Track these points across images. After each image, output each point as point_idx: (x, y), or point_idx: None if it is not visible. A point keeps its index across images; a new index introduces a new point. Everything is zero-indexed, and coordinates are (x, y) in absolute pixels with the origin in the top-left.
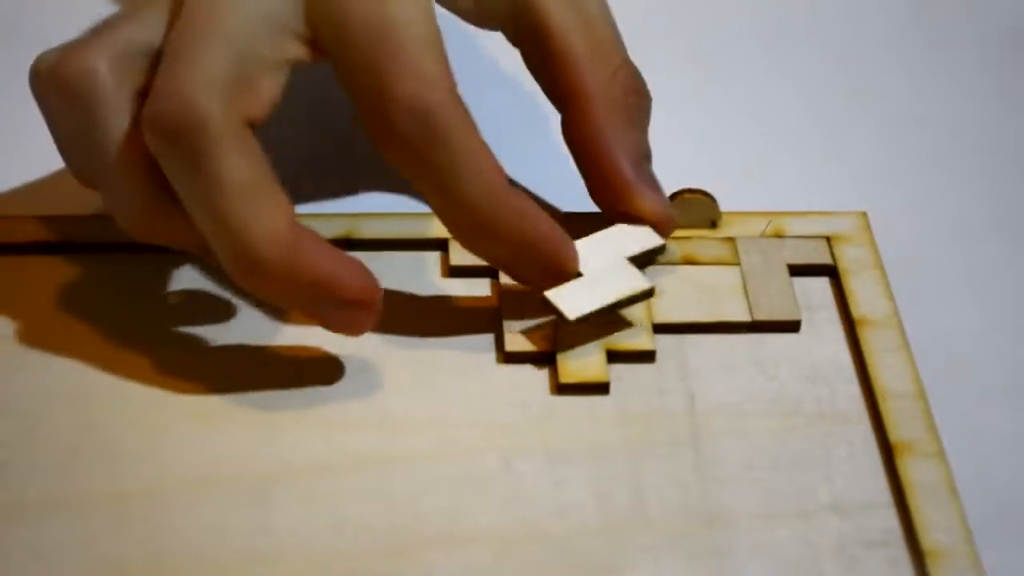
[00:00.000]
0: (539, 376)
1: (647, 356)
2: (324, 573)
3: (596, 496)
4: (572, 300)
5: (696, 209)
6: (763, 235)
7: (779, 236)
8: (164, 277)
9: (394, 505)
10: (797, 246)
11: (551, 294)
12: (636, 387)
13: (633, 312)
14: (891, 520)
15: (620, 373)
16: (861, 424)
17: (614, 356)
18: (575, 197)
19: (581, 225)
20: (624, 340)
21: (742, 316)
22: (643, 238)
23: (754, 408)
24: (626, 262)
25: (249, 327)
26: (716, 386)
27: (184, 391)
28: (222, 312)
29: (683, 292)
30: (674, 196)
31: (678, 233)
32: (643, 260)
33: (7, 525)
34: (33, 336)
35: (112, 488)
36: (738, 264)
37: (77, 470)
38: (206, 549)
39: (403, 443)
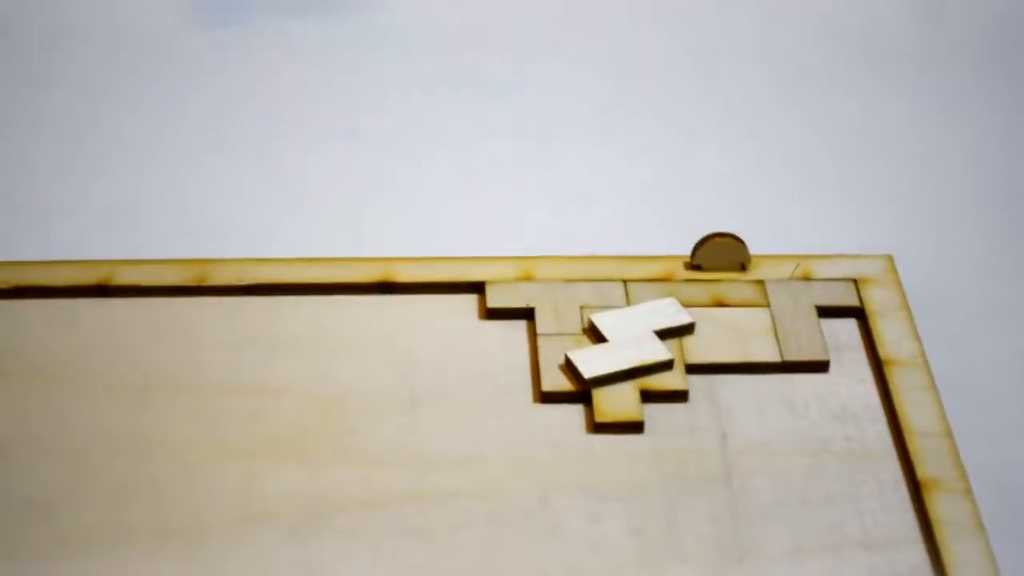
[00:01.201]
0: (575, 415)
1: (680, 396)
2: None
3: (632, 532)
4: (591, 363)
5: (726, 252)
6: (792, 278)
7: (807, 279)
8: (197, 318)
9: (432, 542)
10: (825, 288)
11: (573, 354)
12: (670, 426)
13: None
14: (919, 555)
15: (654, 412)
16: (889, 461)
17: (648, 396)
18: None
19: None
20: (657, 380)
21: (772, 357)
22: (673, 314)
23: (784, 446)
24: (652, 334)
25: (285, 366)
26: (747, 425)
27: (223, 431)
28: (257, 351)
29: (714, 333)
30: (704, 240)
31: (709, 276)
32: (669, 334)
33: (53, 562)
34: (76, 376)
35: (155, 526)
36: (768, 306)
37: (120, 508)
38: None
39: (440, 481)
